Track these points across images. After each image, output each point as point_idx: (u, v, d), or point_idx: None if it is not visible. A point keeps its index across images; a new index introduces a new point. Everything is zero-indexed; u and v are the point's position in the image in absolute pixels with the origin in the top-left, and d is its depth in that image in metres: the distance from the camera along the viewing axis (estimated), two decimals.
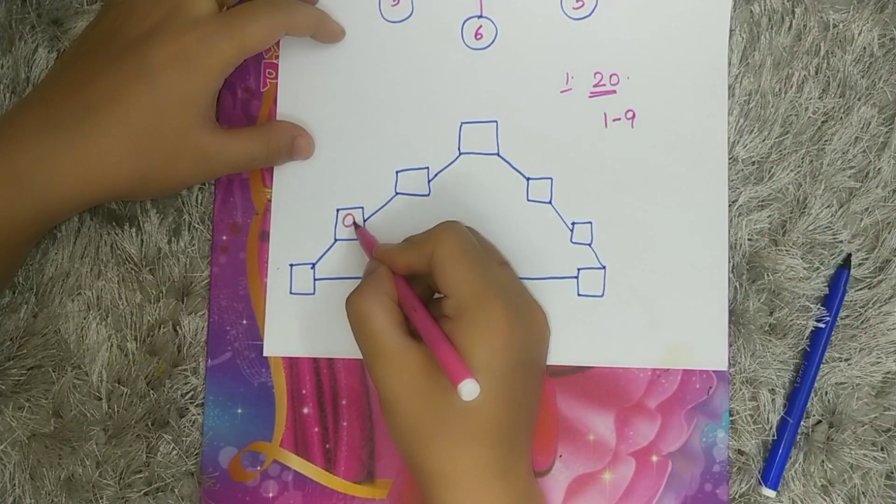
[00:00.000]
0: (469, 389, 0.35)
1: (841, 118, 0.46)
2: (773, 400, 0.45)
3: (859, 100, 0.46)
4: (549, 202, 0.46)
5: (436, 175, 0.46)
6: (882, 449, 0.45)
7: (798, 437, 0.45)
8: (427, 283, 0.43)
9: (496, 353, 0.38)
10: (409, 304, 0.40)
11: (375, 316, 0.39)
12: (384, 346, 0.39)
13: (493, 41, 0.47)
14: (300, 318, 0.46)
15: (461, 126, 0.46)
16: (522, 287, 0.44)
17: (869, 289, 0.46)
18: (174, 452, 0.45)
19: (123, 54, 0.40)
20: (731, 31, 0.46)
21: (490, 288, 0.39)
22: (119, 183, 0.41)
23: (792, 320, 0.45)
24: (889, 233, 0.46)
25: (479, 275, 0.39)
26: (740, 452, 0.45)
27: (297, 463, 0.45)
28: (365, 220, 0.46)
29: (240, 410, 0.46)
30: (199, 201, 0.46)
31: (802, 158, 0.46)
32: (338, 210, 0.46)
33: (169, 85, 0.40)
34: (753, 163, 0.46)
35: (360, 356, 0.45)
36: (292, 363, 0.46)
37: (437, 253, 0.39)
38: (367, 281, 0.41)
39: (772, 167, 0.46)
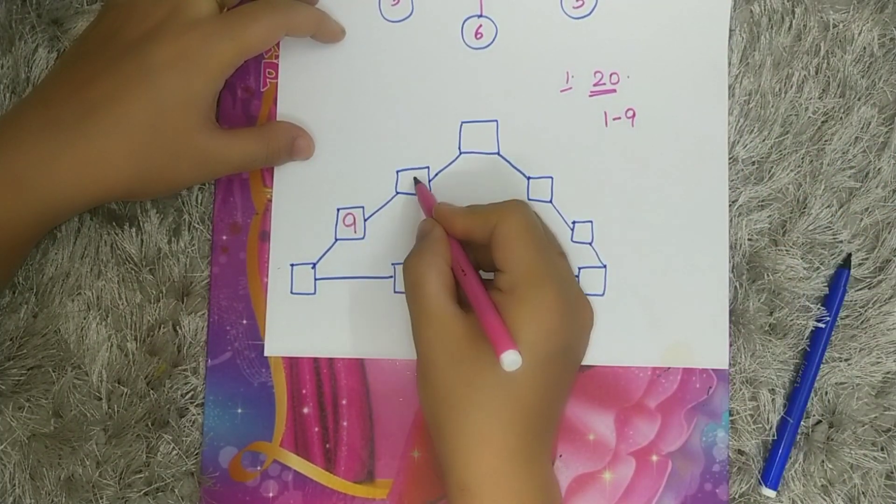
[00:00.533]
0: (511, 360, 0.35)
1: (841, 118, 0.46)
2: (773, 400, 0.45)
3: (859, 100, 0.46)
4: (550, 201, 0.46)
5: (436, 174, 0.46)
6: (882, 449, 0.45)
7: (798, 437, 0.45)
8: (472, 253, 0.43)
9: (542, 336, 0.38)
10: (459, 267, 0.40)
11: (430, 280, 0.39)
12: (433, 311, 0.39)
13: (494, 40, 0.47)
14: (301, 318, 0.46)
15: (461, 125, 0.46)
16: (575, 280, 0.44)
17: (869, 289, 0.46)
18: (174, 452, 0.45)
19: (124, 55, 0.40)
20: (731, 30, 0.46)
21: (547, 271, 0.39)
22: (119, 183, 0.41)
23: (792, 320, 0.45)
24: (889, 233, 0.46)
25: (539, 256, 0.39)
26: (740, 452, 0.45)
27: (297, 463, 0.45)
28: (366, 220, 0.46)
29: (240, 410, 0.46)
30: (199, 201, 0.46)
31: (802, 158, 0.46)
32: (338, 210, 0.46)
33: (169, 86, 0.40)
34: (753, 163, 0.46)
35: (360, 356, 0.46)
36: (292, 363, 0.46)
37: (503, 226, 0.40)
38: (426, 244, 0.41)
39: (772, 167, 0.46)
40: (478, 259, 0.43)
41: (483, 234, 0.40)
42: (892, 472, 0.45)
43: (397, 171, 0.46)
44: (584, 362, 0.45)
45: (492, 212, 0.41)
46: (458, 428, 0.38)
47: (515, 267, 0.39)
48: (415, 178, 0.46)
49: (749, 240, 0.46)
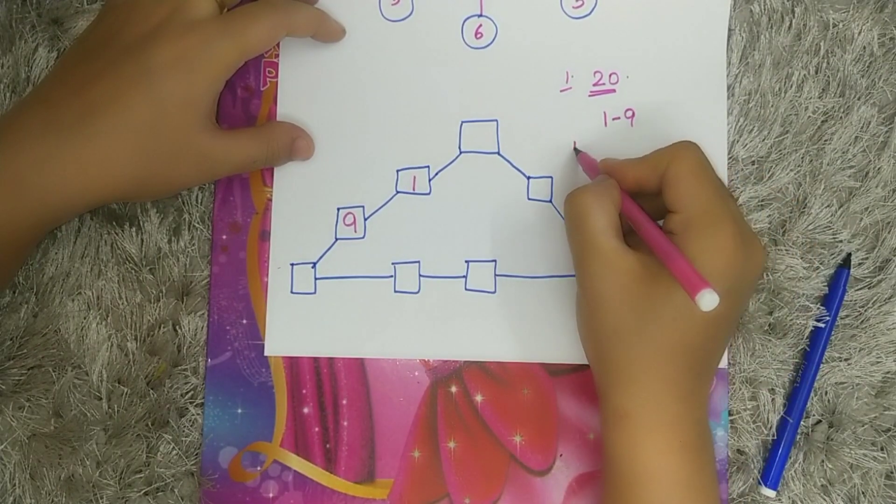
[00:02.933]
0: (710, 300, 0.34)
1: (841, 118, 0.46)
2: (772, 400, 0.45)
3: (859, 99, 0.46)
4: (550, 201, 0.46)
5: (437, 174, 0.46)
6: (882, 449, 0.45)
7: (798, 436, 0.45)
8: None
9: (717, 274, 0.37)
10: (634, 216, 0.40)
11: (596, 215, 0.39)
12: (601, 246, 0.39)
13: (494, 40, 0.47)
14: (301, 318, 0.46)
15: (462, 125, 0.46)
16: (746, 221, 0.43)
17: (869, 288, 0.46)
18: (174, 452, 0.45)
19: (124, 56, 0.40)
20: (730, 30, 0.46)
21: (724, 208, 0.39)
22: (119, 185, 0.41)
23: (792, 320, 0.45)
24: (889, 232, 0.46)
25: (714, 193, 0.39)
26: (740, 452, 0.45)
27: (297, 463, 0.45)
28: (366, 219, 0.46)
29: (240, 410, 0.46)
30: (199, 201, 0.46)
31: (802, 158, 0.46)
32: (338, 209, 0.46)
33: (169, 87, 0.40)
34: (753, 162, 0.46)
35: (360, 356, 0.46)
36: (292, 363, 0.46)
37: (674, 167, 0.39)
38: (593, 184, 0.41)
39: (772, 167, 0.46)
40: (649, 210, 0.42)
41: (654, 180, 0.40)
42: (891, 472, 0.45)
43: (397, 171, 0.46)
44: (584, 362, 0.45)
45: (661, 156, 0.40)
46: (625, 359, 0.39)
47: (690, 205, 0.39)
48: (575, 148, 0.46)
49: None
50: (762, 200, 0.46)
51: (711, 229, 0.38)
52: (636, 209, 0.40)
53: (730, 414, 0.45)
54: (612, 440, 0.40)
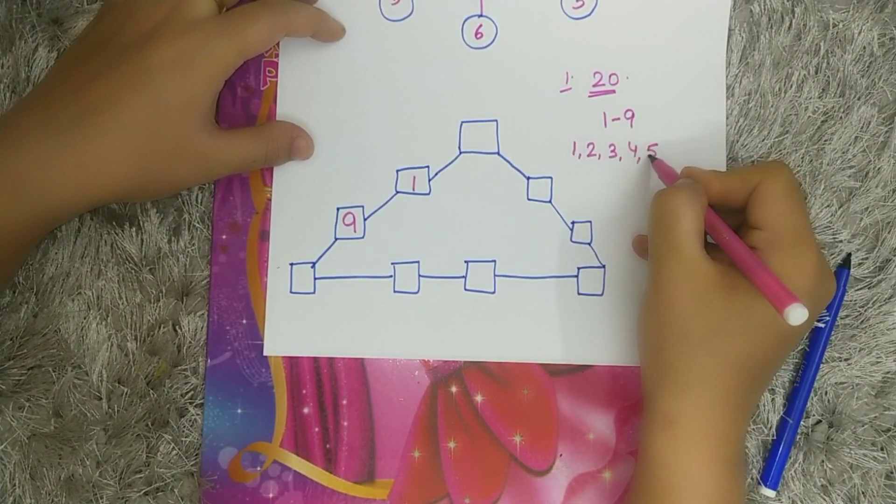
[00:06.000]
0: (798, 314, 0.34)
1: (841, 118, 0.46)
2: (772, 400, 0.45)
3: (859, 99, 0.46)
4: (549, 201, 0.46)
5: (436, 174, 0.46)
6: (882, 449, 0.45)
7: (798, 436, 0.45)
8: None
9: (800, 293, 0.37)
10: (718, 227, 0.40)
11: (685, 217, 0.39)
12: (685, 250, 0.39)
13: (494, 40, 0.47)
14: (300, 318, 0.46)
15: (461, 125, 0.46)
16: None
17: (869, 288, 0.46)
18: (174, 452, 0.45)
19: (123, 56, 0.40)
20: (730, 30, 0.46)
21: (810, 233, 0.39)
22: (119, 185, 0.41)
23: None
24: (889, 232, 0.46)
25: (803, 216, 0.40)
26: None
27: (297, 463, 0.45)
28: (365, 219, 0.46)
29: (240, 410, 0.46)
30: (199, 200, 0.46)
31: (802, 158, 0.46)
32: (338, 209, 0.46)
33: (169, 87, 0.40)
34: (753, 162, 0.46)
35: (360, 356, 0.46)
36: (292, 363, 0.46)
37: (768, 185, 0.40)
38: (685, 185, 0.41)
39: None
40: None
41: (740, 194, 0.40)
42: (891, 472, 0.45)
43: (397, 171, 0.46)
44: (584, 362, 0.45)
45: (753, 171, 0.41)
46: (685, 365, 0.39)
47: (780, 224, 0.39)
48: (649, 156, 0.46)
49: None
50: None
51: (798, 250, 0.39)
52: (719, 220, 0.40)
53: None
54: (655, 444, 0.40)
